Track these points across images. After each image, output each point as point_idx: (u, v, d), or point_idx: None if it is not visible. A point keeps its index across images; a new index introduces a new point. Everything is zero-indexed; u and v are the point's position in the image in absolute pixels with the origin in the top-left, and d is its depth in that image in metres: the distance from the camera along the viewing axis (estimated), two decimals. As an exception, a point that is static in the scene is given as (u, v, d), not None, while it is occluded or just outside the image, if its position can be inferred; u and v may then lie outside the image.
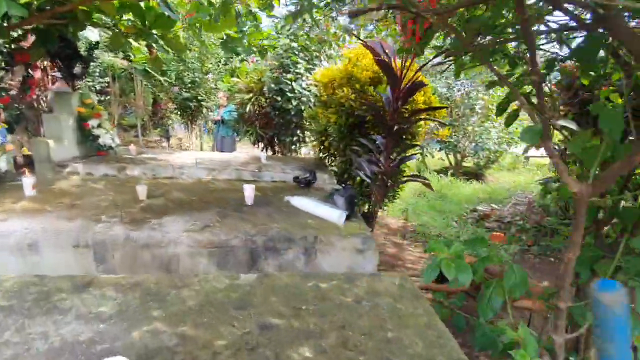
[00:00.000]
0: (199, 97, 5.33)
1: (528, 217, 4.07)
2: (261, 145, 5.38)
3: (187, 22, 3.47)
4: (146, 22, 3.13)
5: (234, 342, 0.95)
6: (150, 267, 1.76)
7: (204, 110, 5.40)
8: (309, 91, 4.63)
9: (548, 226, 3.82)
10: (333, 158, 3.98)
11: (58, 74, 4.00)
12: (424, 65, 2.39)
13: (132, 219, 1.91)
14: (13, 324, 0.97)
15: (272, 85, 4.63)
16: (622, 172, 1.12)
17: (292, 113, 4.68)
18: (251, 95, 4.69)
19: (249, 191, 2.29)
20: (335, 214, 2.02)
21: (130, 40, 3.38)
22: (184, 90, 5.15)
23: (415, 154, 2.92)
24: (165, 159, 3.77)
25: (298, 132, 4.98)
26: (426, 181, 2.44)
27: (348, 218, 2.06)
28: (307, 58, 4.56)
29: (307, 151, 5.59)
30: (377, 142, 2.72)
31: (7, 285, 1.16)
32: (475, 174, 6.75)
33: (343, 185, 2.57)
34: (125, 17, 3.29)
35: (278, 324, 1.05)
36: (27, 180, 2.17)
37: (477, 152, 5.93)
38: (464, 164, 6.89)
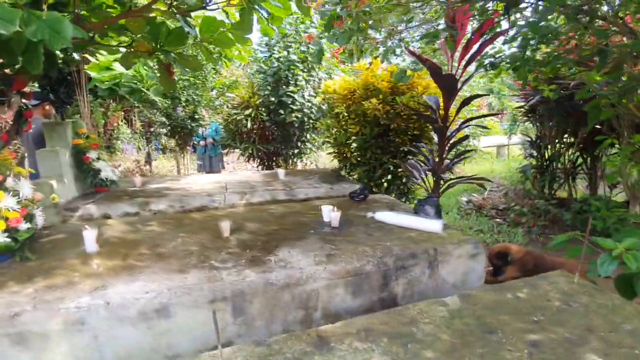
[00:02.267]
0: (196, 116, 4.88)
1: (521, 202, 4.62)
2: (252, 160, 5.17)
3: (196, 38, 3.21)
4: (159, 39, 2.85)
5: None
6: (289, 308, 1.62)
7: (200, 129, 4.98)
8: (310, 102, 4.61)
9: (541, 208, 4.39)
10: (352, 168, 4.03)
11: (33, 102, 3.34)
12: (470, 78, 2.60)
13: (247, 259, 1.74)
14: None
15: (272, 99, 4.50)
16: None
17: (296, 125, 4.60)
18: (250, 110, 4.49)
19: (334, 213, 2.24)
20: (436, 225, 2.09)
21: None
22: (179, 109, 4.68)
23: (467, 156, 3.14)
24: (181, 187, 3.43)
25: (299, 144, 4.92)
26: (480, 181, 2.66)
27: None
28: (305, 70, 4.53)
29: (305, 162, 5.52)
30: (424, 148, 2.86)
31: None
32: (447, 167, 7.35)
33: (427, 195, 2.65)
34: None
35: (538, 339, 1.09)
36: (89, 234, 1.81)
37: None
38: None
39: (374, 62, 3.71)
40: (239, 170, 5.26)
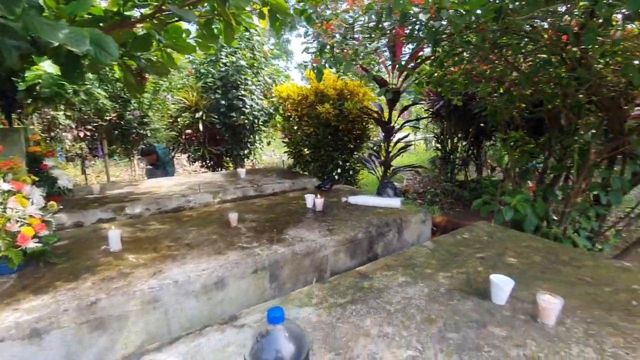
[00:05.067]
0: (145, 119, 4.62)
1: (434, 186, 5.81)
2: (197, 163, 5.24)
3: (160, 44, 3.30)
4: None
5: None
6: (308, 272, 2.08)
7: (149, 133, 4.72)
8: (259, 105, 4.95)
9: (448, 189, 5.63)
10: (305, 164, 4.54)
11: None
12: (405, 89, 3.39)
13: (268, 239, 2.12)
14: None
15: (223, 102, 4.70)
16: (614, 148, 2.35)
17: (247, 128, 4.89)
18: (201, 113, 4.60)
19: (318, 200, 2.74)
20: (396, 202, 2.78)
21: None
22: (137, 112, 4.37)
23: (406, 150, 3.93)
24: (146, 191, 3.45)
25: (249, 145, 5.20)
26: (418, 168, 3.47)
27: (397, 203, 2.86)
28: (254, 75, 4.85)
29: (252, 162, 5.78)
30: (374, 146, 3.57)
31: (318, 293, 1.45)
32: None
33: (386, 181, 3.30)
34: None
35: (483, 255, 1.82)
36: (115, 234, 1.94)
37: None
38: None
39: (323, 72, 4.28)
40: (200, 174, 5.17)
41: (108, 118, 4.48)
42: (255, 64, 4.87)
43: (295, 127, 4.32)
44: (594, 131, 2.11)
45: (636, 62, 1.62)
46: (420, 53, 3.22)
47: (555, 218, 2.54)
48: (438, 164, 6.36)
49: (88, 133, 5.49)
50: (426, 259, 1.78)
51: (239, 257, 1.88)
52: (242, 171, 4.17)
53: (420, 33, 2.64)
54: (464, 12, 1.85)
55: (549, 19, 1.94)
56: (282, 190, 3.83)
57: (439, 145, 6.57)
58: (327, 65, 2.19)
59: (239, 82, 4.74)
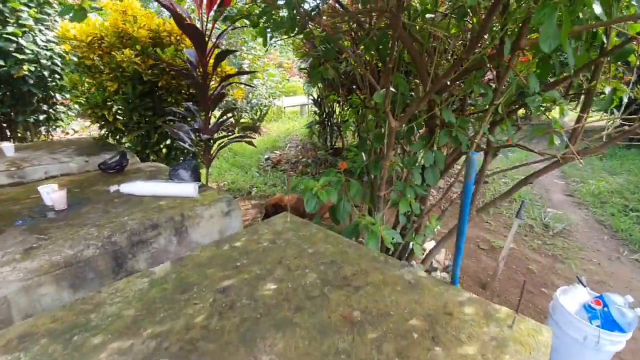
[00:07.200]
0: None
1: (307, 155, 5.25)
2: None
3: None
4: None
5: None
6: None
7: None
8: (51, 50, 3.51)
9: (321, 158, 5.13)
10: (121, 135, 3.41)
11: None
12: (224, 32, 2.48)
13: None
14: None
15: (-21, 43, 3.14)
16: (413, 112, 1.80)
17: (31, 82, 3.43)
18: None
19: (56, 193, 1.77)
20: (189, 188, 1.99)
21: None
22: None
23: (231, 116, 3.08)
24: None
25: (45, 107, 3.74)
26: (250, 139, 2.72)
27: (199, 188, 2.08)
28: (33, 5, 3.34)
29: (67, 131, 4.30)
30: (191, 109, 2.66)
31: None
32: (252, 128, 7.55)
33: (183, 158, 2.41)
34: None
35: (229, 284, 1.16)
36: None
37: (252, 108, 6.62)
38: (242, 120, 7.50)
39: (124, 2, 3.08)
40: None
41: None
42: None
43: (99, 82, 3.11)
44: (383, 90, 1.56)
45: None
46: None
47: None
48: (315, 129, 5.79)
49: None
50: (124, 305, 1.04)
51: None
52: (8, 146, 2.87)
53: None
54: None
55: None
56: (65, 172, 2.71)
57: (317, 109, 5.98)
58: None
59: (6, 15, 3.20)
